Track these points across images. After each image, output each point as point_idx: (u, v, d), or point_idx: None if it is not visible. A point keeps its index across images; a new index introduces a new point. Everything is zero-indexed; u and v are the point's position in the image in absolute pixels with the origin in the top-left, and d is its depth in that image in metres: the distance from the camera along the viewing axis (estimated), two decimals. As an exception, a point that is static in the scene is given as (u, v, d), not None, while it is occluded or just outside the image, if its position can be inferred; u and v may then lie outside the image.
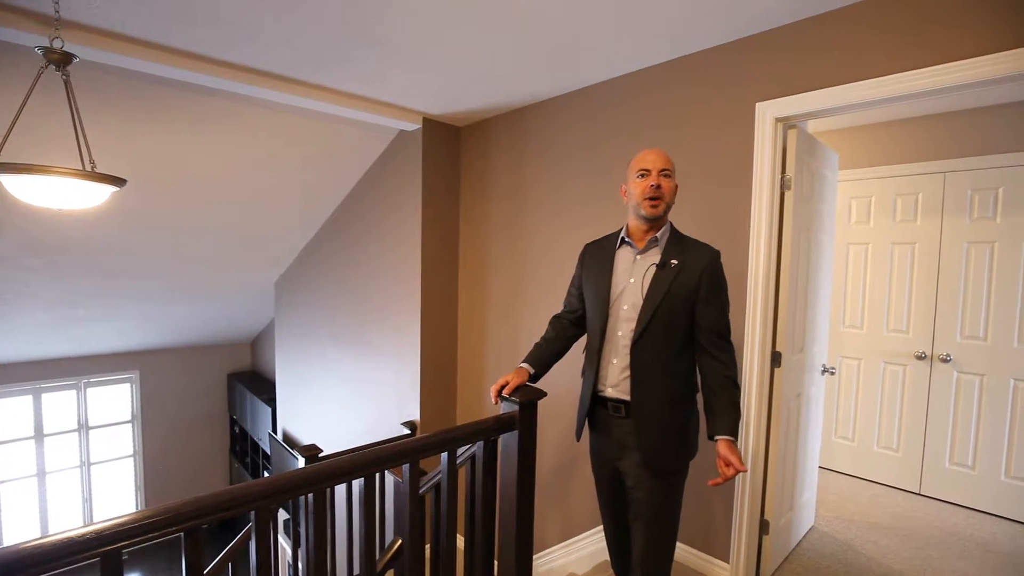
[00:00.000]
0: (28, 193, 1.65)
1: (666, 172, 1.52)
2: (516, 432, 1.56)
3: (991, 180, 2.72)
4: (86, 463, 5.88)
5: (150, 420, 6.23)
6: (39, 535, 0.89)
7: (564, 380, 2.16)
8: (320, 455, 2.68)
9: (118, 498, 6.12)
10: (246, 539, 2.27)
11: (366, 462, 1.31)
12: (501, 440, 1.62)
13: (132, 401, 6.14)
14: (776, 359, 1.99)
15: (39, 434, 5.58)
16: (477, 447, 1.63)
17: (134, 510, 1.00)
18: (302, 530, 2.34)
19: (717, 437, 1.43)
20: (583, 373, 1.66)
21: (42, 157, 2.46)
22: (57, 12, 1.75)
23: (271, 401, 5.45)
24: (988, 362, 2.73)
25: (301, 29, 1.99)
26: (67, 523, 5.70)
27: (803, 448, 2.29)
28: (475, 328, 3.29)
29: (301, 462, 2.65)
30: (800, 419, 2.23)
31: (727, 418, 1.44)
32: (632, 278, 1.55)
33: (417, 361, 3.19)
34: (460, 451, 1.67)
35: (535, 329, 2.81)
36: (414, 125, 3.09)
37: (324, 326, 4.24)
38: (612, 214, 2.42)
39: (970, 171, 2.79)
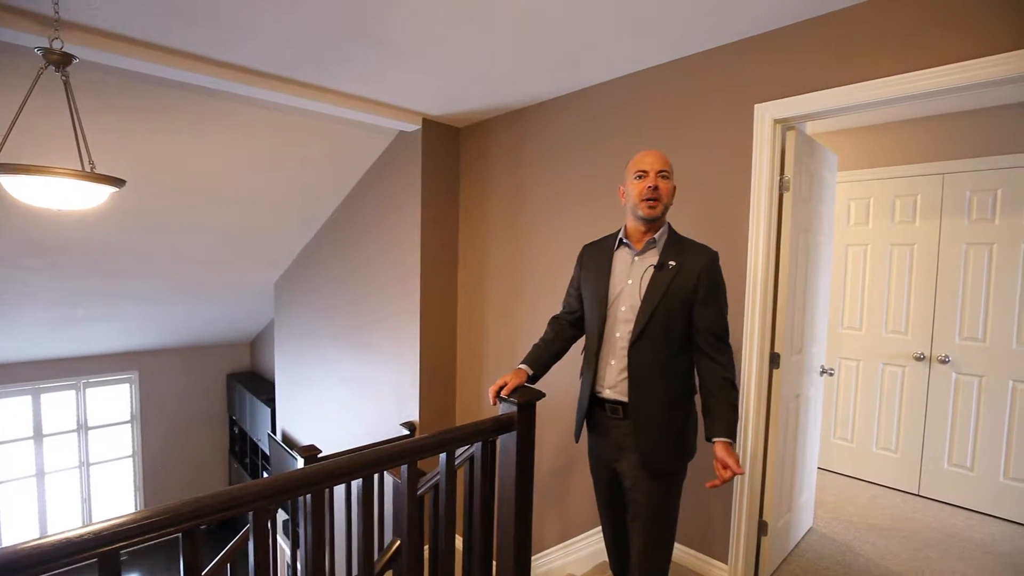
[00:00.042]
0: (28, 194, 1.65)
1: (664, 173, 1.52)
2: (514, 433, 1.56)
3: (990, 181, 2.73)
4: (85, 463, 5.88)
5: (149, 420, 6.23)
6: (38, 536, 0.89)
7: (563, 381, 2.17)
8: (319, 456, 2.68)
9: (117, 499, 6.12)
10: (245, 540, 2.27)
11: (364, 463, 1.31)
12: (499, 441, 1.62)
13: (131, 401, 6.14)
14: (775, 360, 1.99)
15: (38, 434, 5.58)
16: (475, 448, 1.63)
17: (133, 511, 1.00)
18: (301, 531, 2.34)
19: (714, 439, 1.43)
20: (581, 374, 1.66)
21: (42, 158, 2.46)
22: (57, 13, 1.75)
23: (270, 402, 5.45)
24: (987, 363, 2.73)
25: (301, 29, 1.99)
26: (66, 524, 5.70)
27: (802, 449, 2.30)
28: (474, 329, 3.30)
29: (300, 463, 2.65)
30: (799, 420, 2.23)
31: (724, 420, 1.44)
32: (630, 279, 1.55)
33: (416, 362, 3.20)
34: (458, 452, 1.67)
35: (534, 330, 2.81)
36: (414, 126, 3.09)
37: (323, 326, 4.24)
38: (611, 215, 2.43)
39: (969, 172, 2.79)
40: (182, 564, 1.04)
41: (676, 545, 2.12)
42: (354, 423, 3.84)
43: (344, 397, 3.97)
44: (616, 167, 2.38)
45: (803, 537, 2.41)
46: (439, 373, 3.32)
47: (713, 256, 1.53)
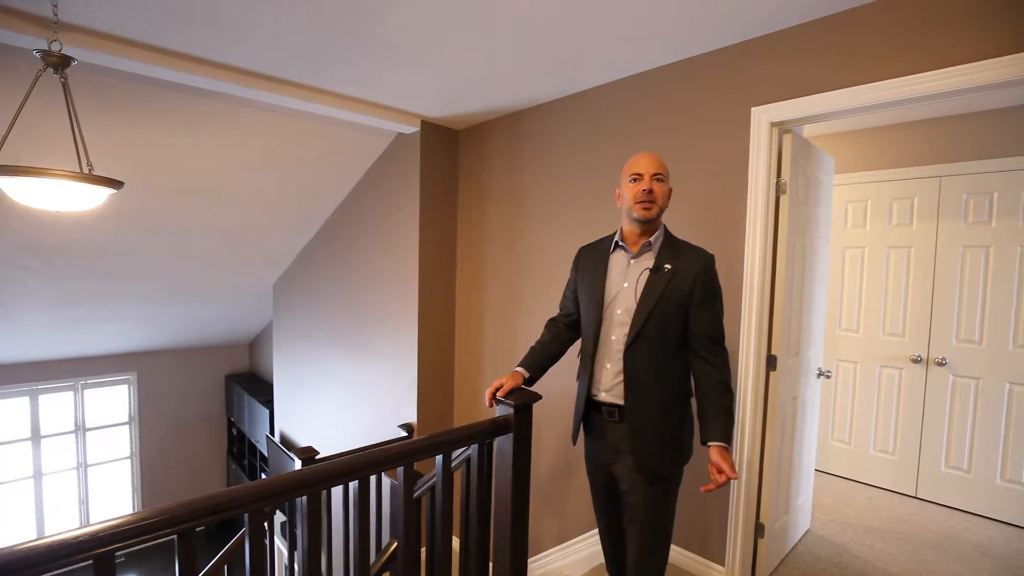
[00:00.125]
0: (26, 195, 1.66)
1: (659, 176, 1.52)
2: (511, 435, 1.56)
3: (986, 184, 2.74)
4: (83, 465, 5.87)
5: (148, 422, 6.22)
6: (35, 537, 0.89)
7: (561, 383, 2.17)
8: (316, 457, 2.68)
9: (115, 500, 6.10)
10: (241, 541, 2.27)
11: (360, 465, 1.31)
12: (496, 443, 1.62)
13: (130, 403, 6.13)
14: (772, 363, 2.00)
15: (36, 436, 5.57)
16: (472, 450, 1.63)
17: (131, 512, 1.00)
18: (298, 532, 2.34)
19: (709, 443, 1.44)
20: (578, 377, 1.66)
21: (40, 159, 2.46)
22: (55, 15, 1.76)
23: (269, 403, 5.44)
24: (984, 365, 2.74)
25: (300, 30, 2.00)
26: (64, 525, 5.69)
27: (799, 451, 2.30)
28: (472, 331, 3.30)
29: (297, 464, 2.65)
30: (796, 422, 2.23)
31: (720, 424, 1.44)
32: (626, 282, 1.56)
33: (414, 364, 3.20)
34: (455, 454, 1.68)
35: (532, 332, 2.81)
36: (412, 128, 3.10)
37: (322, 328, 4.24)
38: (609, 217, 2.43)
39: (965, 175, 2.80)
40: (177, 566, 1.05)
41: (673, 547, 2.12)
42: (352, 425, 3.84)
43: (342, 399, 3.96)
44: (614, 169, 2.39)
45: (800, 539, 2.42)
46: (437, 375, 3.32)
47: (709, 259, 1.53)
